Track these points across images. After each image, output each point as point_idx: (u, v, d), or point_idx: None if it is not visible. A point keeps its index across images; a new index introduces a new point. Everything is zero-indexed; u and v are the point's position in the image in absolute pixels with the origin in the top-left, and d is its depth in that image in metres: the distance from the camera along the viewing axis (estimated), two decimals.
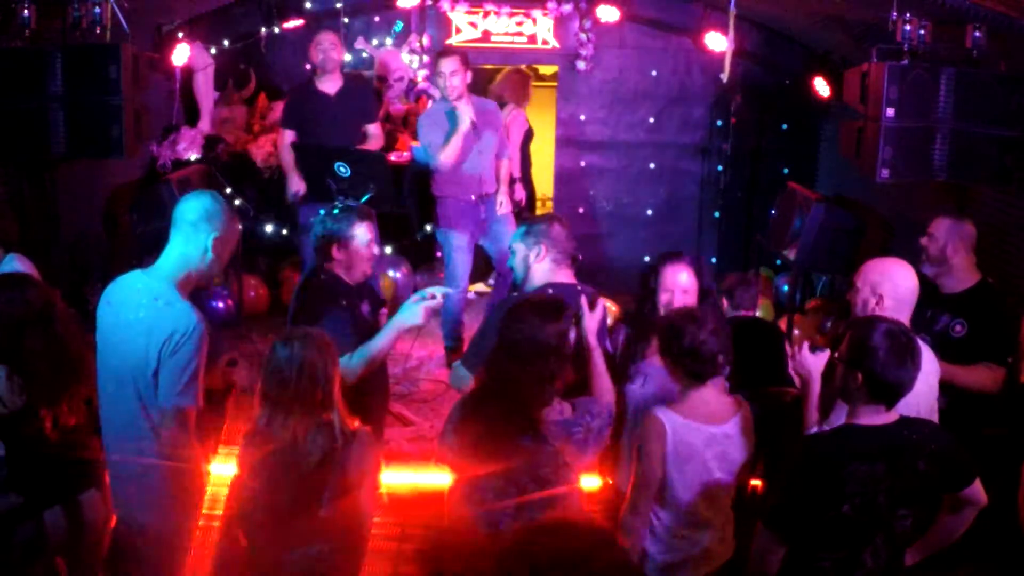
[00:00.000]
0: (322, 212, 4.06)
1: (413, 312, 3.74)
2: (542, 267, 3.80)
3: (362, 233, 3.96)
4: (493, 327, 3.62)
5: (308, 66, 7.74)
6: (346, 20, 7.69)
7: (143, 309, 3.15)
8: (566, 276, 3.83)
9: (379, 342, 3.69)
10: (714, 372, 3.30)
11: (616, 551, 1.98)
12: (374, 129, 6.49)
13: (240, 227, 3.33)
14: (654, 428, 3.26)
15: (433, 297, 3.77)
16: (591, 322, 3.49)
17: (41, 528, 3.19)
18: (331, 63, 6.34)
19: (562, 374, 3.10)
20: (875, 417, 2.89)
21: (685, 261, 3.98)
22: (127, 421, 3.20)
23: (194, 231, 3.22)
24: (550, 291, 3.62)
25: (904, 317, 3.37)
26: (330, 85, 6.38)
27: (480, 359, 3.60)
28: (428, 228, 7.45)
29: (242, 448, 3.17)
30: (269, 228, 7.15)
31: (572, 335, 3.20)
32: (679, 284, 3.91)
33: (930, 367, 3.49)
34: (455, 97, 5.98)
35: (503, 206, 6.24)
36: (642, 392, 3.75)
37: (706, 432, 3.28)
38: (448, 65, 5.94)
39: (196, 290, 3.35)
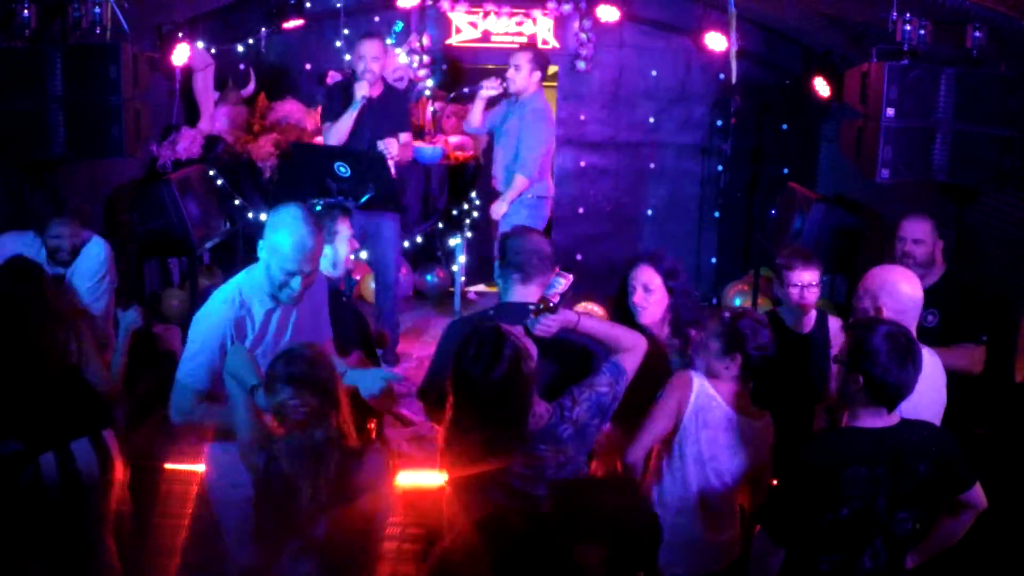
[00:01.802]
0: (319, 205, 4.10)
1: (372, 385, 3.50)
2: (505, 285, 3.49)
3: (344, 229, 4.07)
4: (442, 354, 3.52)
5: (308, 66, 7.77)
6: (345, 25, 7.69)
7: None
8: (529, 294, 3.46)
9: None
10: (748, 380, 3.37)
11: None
12: (406, 137, 6.47)
13: (296, 246, 3.23)
14: (680, 381, 3.33)
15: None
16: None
17: (39, 473, 3.49)
18: (371, 75, 6.17)
19: (527, 406, 2.99)
20: (876, 420, 2.88)
21: (646, 261, 3.82)
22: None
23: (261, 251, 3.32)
24: (491, 311, 3.42)
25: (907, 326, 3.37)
26: (362, 83, 6.23)
27: (431, 384, 3.46)
28: (440, 225, 7.49)
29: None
30: (264, 216, 7.14)
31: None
32: (641, 283, 3.79)
33: (937, 375, 3.49)
34: (512, 91, 6.35)
35: (493, 211, 6.35)
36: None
37: (727, 412, 3.32)
38: (512, 58, 6.33)
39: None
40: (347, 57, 7.77)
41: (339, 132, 6.11)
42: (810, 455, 2.94)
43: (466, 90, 6.73)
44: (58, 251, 4.33)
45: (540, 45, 7.84)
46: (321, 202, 4.18)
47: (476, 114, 6.62)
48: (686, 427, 3.30)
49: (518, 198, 6.36)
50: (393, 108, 6.39)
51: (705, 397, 3.32)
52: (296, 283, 3.26)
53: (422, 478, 4.54)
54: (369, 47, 6.24)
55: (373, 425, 3.79)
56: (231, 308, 3.27)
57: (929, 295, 4.14)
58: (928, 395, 3.26)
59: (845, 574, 2.88)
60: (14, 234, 4.45)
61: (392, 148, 6.10)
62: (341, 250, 4.11)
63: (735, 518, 3.47)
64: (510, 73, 6.33)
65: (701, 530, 3.33)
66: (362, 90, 6.08)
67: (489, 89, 6.42)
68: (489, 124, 6.64)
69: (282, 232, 3.23)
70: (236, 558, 3.24)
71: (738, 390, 3.38)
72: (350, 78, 6.41)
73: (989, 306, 4.41)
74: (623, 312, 3.85)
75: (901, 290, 3.47)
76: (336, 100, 6.35)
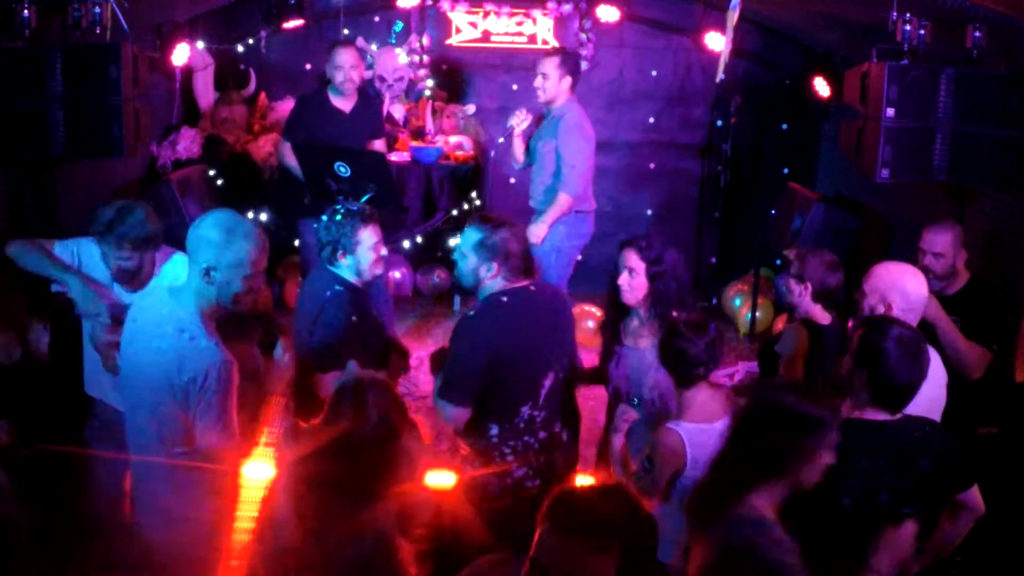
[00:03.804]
0: (324, 218, 4.05)
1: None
2: (495, 282, 3.61)
3: (367, 237, 3.98)
4: (462, 350, 3.53)
5: (308, 66, 7.77)
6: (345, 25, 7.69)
7: (167, 339, 3.03)
8: (520, 283, 3.65)
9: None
10: (694, 380, 3.34)
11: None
12: (379, 145, 6.32)
13: (258, 248, 3.06)
14: (670, 443, 3.24)
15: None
16: None
17: None
18: (350, 85, 5.97)
19: None
20: (879, 414, 2.90)
21: (633, 246, 3.85)
22: (144, 433, 3.17)
23: (192, 261, 3.08)
24: (504, 299, 3.54)
25: (912, 323, 3.37)
26: (345, 102, 6.08)
27: (464, 387, 3.48)
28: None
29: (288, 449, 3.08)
30: (264, 216, 7.17)
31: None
32: (624, 266, 3.82)
33: (939, 372, 3.50)
34: (541, 101, 5.96)
35: (532, 234, 5.75)
36: (616, 372, 3.82)
37: (713, 430, 3.27)
38: (539, 66, 5.89)
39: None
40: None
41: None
42: None
43: (501, 140, 6.28)
44: (129, 273, 3.75)
45: (540, 45, 7.85)
46: (343, 209, 4.08)
47: (519, 152, 6.10)
48: (688, 476, 3.25)
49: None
50: (368, 117, 6.20)
51: (698, 445, 3.24)
52: (259, 281, 3.14)
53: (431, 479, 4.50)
54: (347, 56, 5.94)
55: None
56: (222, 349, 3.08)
57: (952, 303, 4.17)
58: (929, 392, 3.27)
59: (848, 571, 2.89)
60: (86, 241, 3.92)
61: None
62: (364, 259, 4.00)
63: None
64: (538, 83, 5.84)
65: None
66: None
67: (520, 124, 5.97)
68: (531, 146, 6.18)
69: (236, 243, 3.01)
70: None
71: (710, 392, 3.36)
72: (319, 91, 6.15)
73: (1007, 313, 4.38)
74: (614, 292, 3.92)
75: (909, 288, 3.49)
76: (302, 122, 6.02)
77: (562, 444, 3.65)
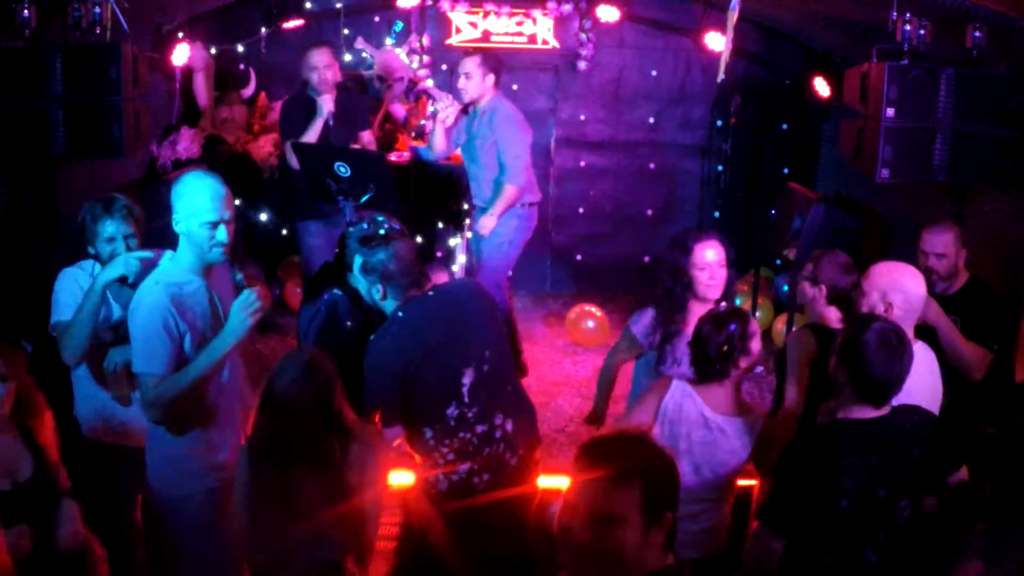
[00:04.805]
0: (365, 224, 3.93)
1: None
2: (388, 302, 3.56)
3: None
4: (369, 375, 3.51)
5: None
6: (345, 25, 7.69)
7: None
8: (414, 293, 3.59)
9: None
10: (712, 377, 3.43)
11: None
12: (367, 136, 6.39)
13: (209, 196, 3.33)
14: (660, 382, 3.53)
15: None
16: None
17: None
18: (327, 85, 6.09)
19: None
20: (866, 411, 2.93)
21: (714, 236, 3.96)
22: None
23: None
24: (400, 314, 3.51)
25: (910, 324, 3.38)
26: (326, 98, 6.16)
27: (385, 409, 3.50)
28: (440, 225, 7.48)
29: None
30: (264, 216, 7.14)
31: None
32: (714, 260, 3.90)
33: (933, 368, 3.51)
34: (467, 100, 5.99)
35: (482, 226, 5.95)
36: (679, 372, 3.80)
37: (703, 411, 3.39)
38: (461, 67, 5.98)
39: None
40: (348, 57, 7.80)
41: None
42: (806, 448, 2.98)
43: (424, 122, 6.43)
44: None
45: (540, 45, 7.85)
46: (385, 224, 3.95)
47: (439, 139, 6.14)
48: (661, 422, 3.43)
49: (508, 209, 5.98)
50: (350, 111, 6.24)
51: (681, 396, 3.45)
52: (222, 233, 3.30)
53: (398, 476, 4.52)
54: (320, 56, 6.08)
55: None
56: (165, 290, 3.24)
57: (952, 302, 4.18)
58: (924, 389, 3.29)
59: (849, 567, 2.90)
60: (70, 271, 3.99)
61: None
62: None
63: (719, 509, 3.49)
64: (461, 83, 5.94)
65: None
66: (327, 105, 5.96)
67: (446, 110, 6.01)
68: (455, 143, 6.23)
69: (190, 193, 3.31)
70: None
71: (724, 390, 3.45)
72: (302, 92, 6.23)
73: (1007, 313, 4.39)
74: (673, 292, 3.93)
75: (910, 288, 3.50)
76: (294, 119, 6.17)
77: (507, 435, 3.61)
